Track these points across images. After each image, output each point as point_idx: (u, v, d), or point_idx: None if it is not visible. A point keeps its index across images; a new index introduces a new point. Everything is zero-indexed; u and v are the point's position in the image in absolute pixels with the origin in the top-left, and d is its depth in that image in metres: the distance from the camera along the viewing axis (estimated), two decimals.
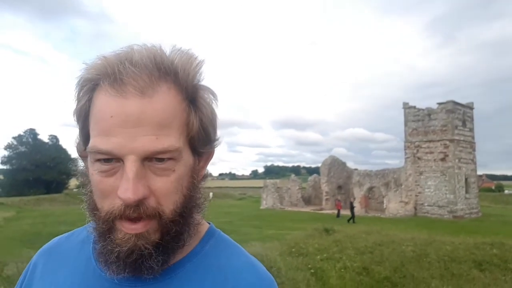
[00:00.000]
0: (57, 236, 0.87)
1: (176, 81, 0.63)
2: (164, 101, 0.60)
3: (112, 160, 0.60)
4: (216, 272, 0.70)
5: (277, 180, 42.09)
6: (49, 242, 0.85)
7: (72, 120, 0.68)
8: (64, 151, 55.71)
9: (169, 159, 0.61)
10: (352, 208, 24.45)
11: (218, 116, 0.71)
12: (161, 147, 0.59)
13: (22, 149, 57.00)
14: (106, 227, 0.63)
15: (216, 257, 0.73)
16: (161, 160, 0.61)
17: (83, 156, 0.67)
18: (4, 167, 56.51)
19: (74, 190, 52.53)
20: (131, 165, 0.59)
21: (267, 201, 36.24)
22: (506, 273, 7.78)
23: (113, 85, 0.59)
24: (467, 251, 9.17)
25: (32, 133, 59.05)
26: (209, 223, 0.81)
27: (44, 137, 61.38)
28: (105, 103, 0.60)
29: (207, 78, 0.68)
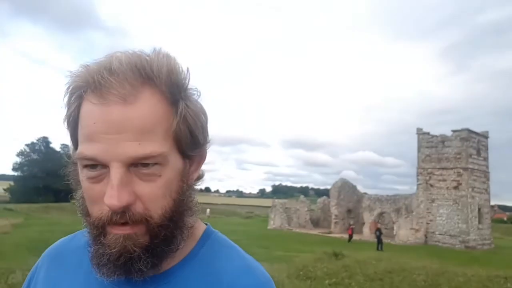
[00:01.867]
0: None
1: (160, 85, 0.62)
2: (147, 107, 0.61)
3: (98, 166, 0.61)
4: (211, 276, 0.70)
5: (286, 200, 41.72)
6: (53, 245, 0.86)
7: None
8: None
9: (155, 164, 0.61)
10: (379, 234, 23.99)
11: (207, 117, 0.71)
12: (144, 152, 0.60)
13: (34, 156, 57.75)
14: (97, 232, 0.63)
15: (211, 260, 0.73)
16: (146, 165, 0.61)
17: (76, 162, 0.67)
18: (15, 173, 57.18)
19: None
20: (115, 172, 0.59)
21: (275, 221, 35.95)
22: None
23: (96, 93, 0.60)
24: (480, 283, 8.94)
25: (44, 141, 59.94)
26: (206, 224, 0.80)
27: (56, 145, 61.96)
28: (89, 110, 0.61)
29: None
